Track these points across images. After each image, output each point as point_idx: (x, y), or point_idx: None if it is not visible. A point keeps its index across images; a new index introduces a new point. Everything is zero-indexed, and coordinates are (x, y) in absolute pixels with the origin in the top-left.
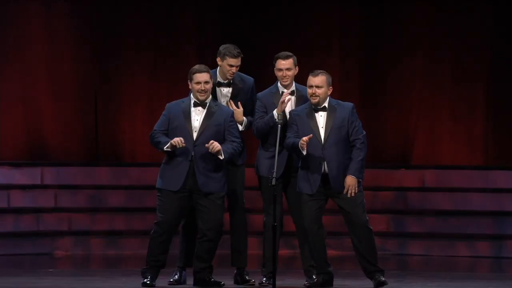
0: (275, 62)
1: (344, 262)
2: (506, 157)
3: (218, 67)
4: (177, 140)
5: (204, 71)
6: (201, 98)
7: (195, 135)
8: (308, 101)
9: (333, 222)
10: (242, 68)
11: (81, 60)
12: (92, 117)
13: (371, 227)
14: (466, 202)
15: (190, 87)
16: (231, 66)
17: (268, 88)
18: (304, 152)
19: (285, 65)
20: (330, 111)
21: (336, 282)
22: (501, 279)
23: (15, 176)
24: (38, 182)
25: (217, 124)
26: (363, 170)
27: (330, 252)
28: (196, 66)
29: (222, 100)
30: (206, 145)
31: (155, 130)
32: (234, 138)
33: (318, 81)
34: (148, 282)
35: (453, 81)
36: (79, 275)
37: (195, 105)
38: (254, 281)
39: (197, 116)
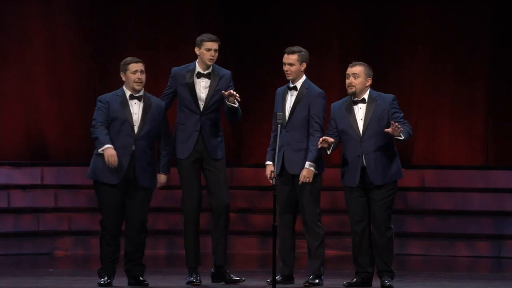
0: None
1: (344, 262)
2: (506, 157)
3: (197, 59)
4: (112, 162)
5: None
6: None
7: (136, 129)
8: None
9: (333, 222)
10: (242, 67)
11: (81, 60)
12: (92, 117)
13: (391, 226)
14: (466, 202)
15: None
16: (209, 49)
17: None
18: (328, 152)
19: (287, 59)
20: (369, 103)
21: (337, 282)
22: (501, 279)
23: (15, 176)
24: (38, 182)
25: (154, 118)
26: (405, 132)
27: (330, 252)
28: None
29: (202, 91)
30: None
31: (96, 121)
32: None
33: (355, 70)
34: (103, 282)
35: (453, 81)
36: (79, 275)
37: (131, 97)
38: (244, 279)
39: (135, 110)
